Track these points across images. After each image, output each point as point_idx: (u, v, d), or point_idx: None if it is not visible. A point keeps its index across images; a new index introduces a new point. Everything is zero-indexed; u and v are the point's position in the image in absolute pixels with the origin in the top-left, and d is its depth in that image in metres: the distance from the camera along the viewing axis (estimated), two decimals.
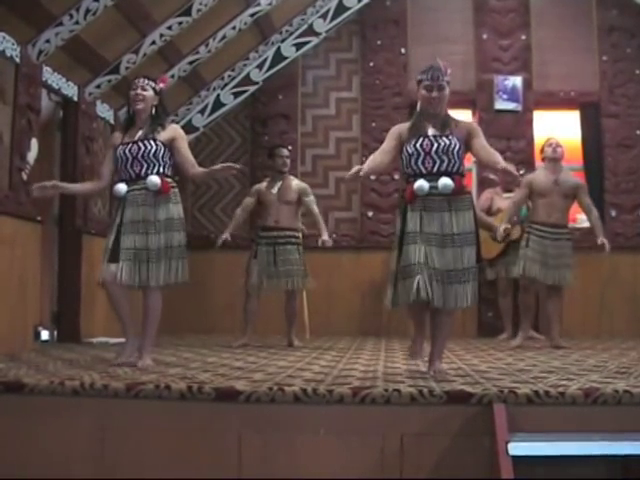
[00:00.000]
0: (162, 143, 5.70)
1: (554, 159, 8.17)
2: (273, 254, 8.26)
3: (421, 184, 5.03)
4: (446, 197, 5.05)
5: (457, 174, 5.10)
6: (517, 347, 7.88)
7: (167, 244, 5.61)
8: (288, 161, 8.60)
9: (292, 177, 8.70)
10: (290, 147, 10.52)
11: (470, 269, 5.06)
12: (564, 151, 8.26)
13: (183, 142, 5.86)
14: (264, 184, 8.56)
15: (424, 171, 5.08)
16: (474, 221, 5.16)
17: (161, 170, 5.69)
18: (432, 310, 5.19)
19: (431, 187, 5.03)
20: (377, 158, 5.21)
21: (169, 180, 5.73)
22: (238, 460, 4.07)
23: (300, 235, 8.53)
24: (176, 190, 5.78)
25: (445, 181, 5.02)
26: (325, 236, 8.40)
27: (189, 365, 5.79)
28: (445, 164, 5.07)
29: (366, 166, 5.07)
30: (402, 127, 5.33)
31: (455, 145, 5.09)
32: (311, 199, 8.54)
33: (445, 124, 5.18)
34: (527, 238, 8.06)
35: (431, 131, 5.15)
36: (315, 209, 8.54)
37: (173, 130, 5.86)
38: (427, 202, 5.05)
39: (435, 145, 5.08)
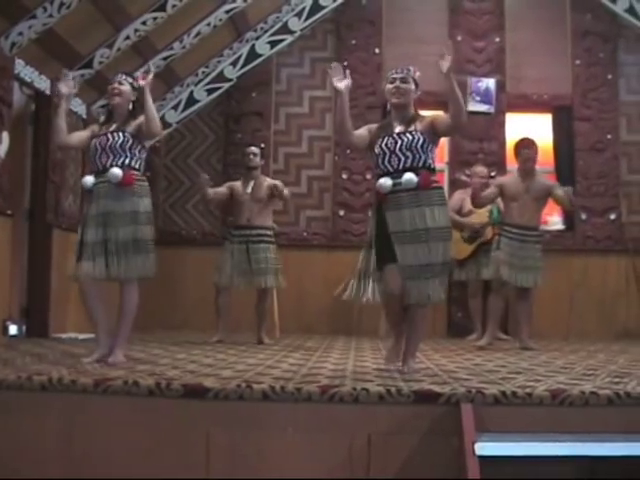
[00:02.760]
0: (130, 134, 5.67)
1: (527, 160, 8.18)
2: (246, 252, 8.26)
3: (383, 181, 5.13)
4: (415, 192, 5.08)
5: (424, 168, 5.14)
6: (483, 347, 7.90)
7: (133, 237, 5.58)
8: (257, 159, 8.56)
9: (264, 176, 8.68)
10: (263, 145, 10.56)
11: (445, 264, 5.14)
12: (537, 154, 8.27)
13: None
14: (238, 183, 8.54)
15: (391, 169, 5.16)
16: (448, 216, 5.24)
17: (127, 162, 5.64)
18: (407, 309, 5.21)
19: (396, 184, 5.10)
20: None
21: (135, 172, 5.67)
22: (206, 457, 4.05)
23: (272, 233, 8.51)
24: (144, 183, 5.74)
25: (408, 176, 5.08)
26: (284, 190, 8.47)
27: (158, 361, 5.76)
28: (410, 160, 5.13)
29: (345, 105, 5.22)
30: (372, 126, 5.50)
31: (419, 140, 5.15)
32: (287, 195, 8.57)
33: (411, 120, 5.27)
34: (498, 240, 8.08)
35: (398, 129, 5.24)
36: (286, 193, 8.55)
37: (141, 118, 5.74)
38: (397, 199, 5.10)
39: (399, 142, 5.17)
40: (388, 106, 5.45)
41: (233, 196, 8.46)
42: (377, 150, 5.23)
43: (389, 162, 5.17)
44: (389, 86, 5.34)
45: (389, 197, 5.13)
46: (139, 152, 5.72)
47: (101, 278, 5.57)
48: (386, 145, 5.20)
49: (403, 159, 5.13)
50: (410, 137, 5.16)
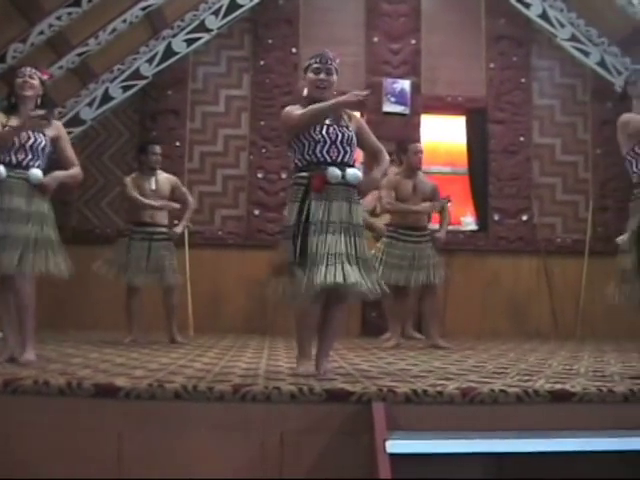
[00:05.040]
0: (49, 139, 5.71)
1: (417, 168, 8.33)
2: (147, 250, 8.19)
3: (334, 171, 4.92)
4: (346, 187, 4.97)
5: (352, 166, 5.07)
6: (391, 348, 7.95)
7: (39, 236, 5.54)
8: (160, 157, 8.48)
9: (160, 171, 8.57)
10: (178, 143, 10.51)
11: (368, 259, 5.05)
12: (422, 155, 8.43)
13: (67, 142, 5.91)
14: (135, 176, 8.42)
15: (329, 160, 4.97)
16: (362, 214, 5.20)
17: (42, 165, 5.67)
18: (323, 308, 5.08)
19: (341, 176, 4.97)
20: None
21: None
22: (118, 457, 4.00)
23: (180, 230, 8.47)
24: None
25: (354, 171, 4.98)
26: (179, 227, 8.46)
27: (70, 361, 5.68)
28: (347, 155, 5.02)
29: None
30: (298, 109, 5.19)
31: (353, 137, 5.08)
32: (184, 191, 8.59)
33: (340, 116, 5.11)
34: (389, 243, 8.14)
35: (328, 121, 5.05)
36: (190, 199, 8.57)
37: (57, 128, 5.83)
38: (331, 191, 4.94)
39: (340, 135, 5.01)
40: (305, 92, 5.22)
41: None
42: (317, 137, 4.98)
43: (327, 152, 4.97)
44: (312, 76, 5.11)
45: (327, 187, 4.94)
46: (49, 155, 5.73)
47: (4, 272, 5.49)
48: (327, 133, 5.00)
49: (342, 152, 4.99)
50: (349, 133, 5.05)
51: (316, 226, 4.89)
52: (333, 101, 4.99)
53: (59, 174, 5.76)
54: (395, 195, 8.19)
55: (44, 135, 5.66)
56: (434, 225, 8.70)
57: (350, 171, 4.98)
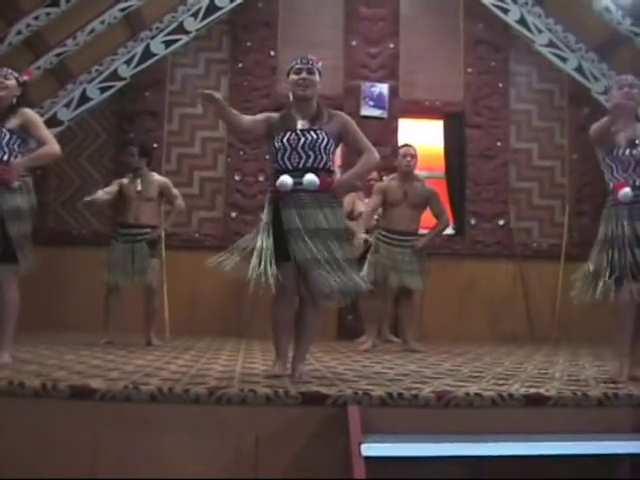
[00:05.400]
0: (9, 130, 5.55)
1: (407, 167, 8.33)
2: (131, 251, 8.17)
3: (283, 180, 4.93)
4: (314, 194, 4.94)
5: (324, 170, 5.00)
6: (367, 350, 7.97)
7: (13, 234, 5.48)
8: (134, 159, 8.43)
9: (153, 173, 8.55)
10: (155, 145, 10.48)
11: (349, 259, 4.99)
12: (417, 162, 8.43)
13: (35, 125, 5.69)
14: (125, 180, 8.43)
15: (290, 167, 4.97)
16: (344, 217, 5.16)
17: (5, 158, 5.51)
18: (299, 311, 5.08)
19: (296, 183, 4.93)
20: (240, 115, 5.15)
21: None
22: (93, 459, 3.99)
23: (160, 232, 8.44)
24: (27, 179, 5.66)
25: (310, 177, 4.92)
26: (161, 228, 8.44)
27: (46, 362, 5.66)
28: (311, 160, 4.97)
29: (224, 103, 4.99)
30: (273, 115, 5.22)
31: (323, 140, 5.00)
32: (174, 193, 8.48)
33: (316, 117, 5.10)
34: (376, 245, 8.16)
35: (300, 124, 5.04)
36: (178, 203, 8.50)
37: (21, 115, 5.65)
38: (297, 198, 4.93)
39: (302, 140, 4.98)
40: (290, 97, 5.21)
41: (122, 194, 8.34)
42: (277, 145, 5.01)
43: (289, 159, 4.97)
44: (294, 77, 5.10)
45: (288, 195, 4.93)
46: (18, 147, 5.60)
47: None
48: (288, 141, 4.99)
49: (304, 158, 4.96)
50: (315, 136, 4.99)
51: (285, 233, 4.89)
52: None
53: (19, 160, 5.57)
54: (385, 200, 8.21)
55: (5, 128, 5.55)
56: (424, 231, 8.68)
57: (306, 178, 4.95)
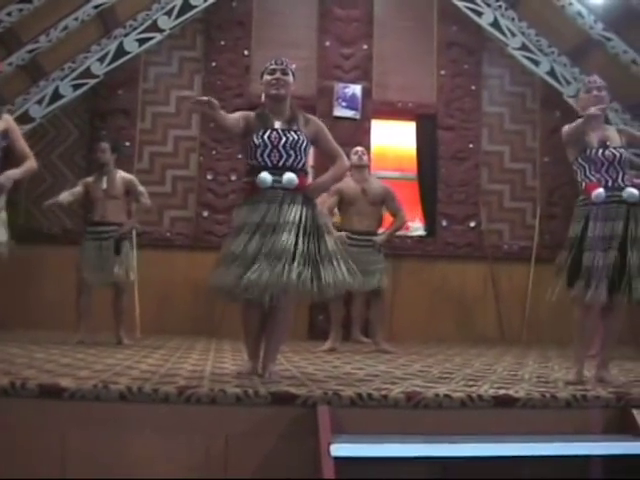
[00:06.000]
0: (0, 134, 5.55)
1: (360, 166, 8.42)
2: (99, 249, 8.15)
3: (264, 177, 4.95)
4: (292, 192, 4.98)
5: (302, 170, 5.09)
6: (325, 351, 7.97)
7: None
8: (106, 154, 8.42)
9: (119, 170, 8.53)
10: (128, 143, 10.44)
11: (335, 256, 5.02)
12: (370, 159, 8.51)
13: (18, 134, 5.73)
14: (91, 179, 8.41)
15: (269, 164, 5.01)
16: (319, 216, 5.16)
17: None
18: (270, 311, 5.06)
19: (275, 181, 4.96)
20: (226, 115, 5.13)
21: None
22: (62, 458, 3.97)
23: (127, 229, 8.42)
24: None
25: (290, 176, 4.97)
26: (126, 226, 8.41)
27: (15, 360, 5.62)
28: (292, 159, 5.03)
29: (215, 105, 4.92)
30: (249, 113, 5.26)
31: (303, 141, 5.09)
32: (140, 190, 8.47)
33: (292, 119, 5.17)
34: None
35: (277, 124, 5.11)
36: (144, 201, 8.48)
37: (6, 121, 5.66)
38: (275, 195, 4.95)
39: (283, 139, 5.04)
40: (262, 97, 5.28)
41: (88, 193, 8.32)
42: (257, 141, 5.05)
43: (269, 156, 5.02)
44: (268, 77, 5.17)
45: (265, 191, 4.96)
46: (4, 148, 5.59)
47: None
48: (269, 138, 5.04)
49: (285, 156, 5.02)
50: (295, 136, 5.07)
51: (259, 229, 4.90)
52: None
53: (14, 173, 5.59)
54: (341, 200, 8.24)
55: None
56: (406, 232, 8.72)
57: (286, 176, 4.99)
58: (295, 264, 4.80)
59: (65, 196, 8.27)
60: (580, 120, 5.30)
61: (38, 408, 4.06)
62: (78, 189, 8.36)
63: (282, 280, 4.75)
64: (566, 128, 5.40)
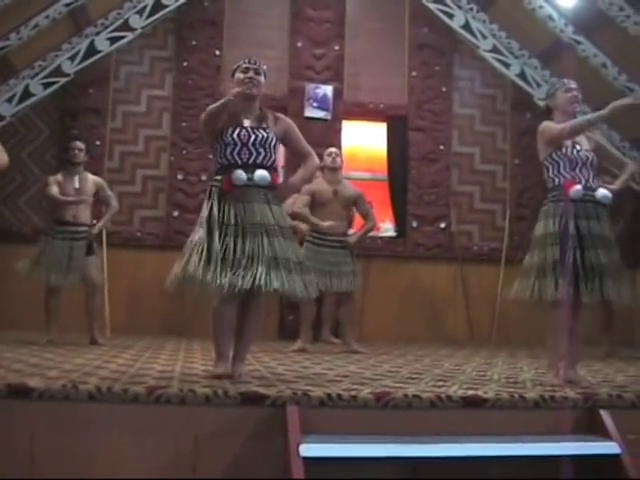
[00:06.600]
0: None
1: (334, 168, 8.44)
2: (69, 249, 8.11)
3: (239, 174, 4.94)
4: (264, 190, 4.99)
5: (272, 168, 5.08)
6: (295, 351, 7.98)
7: None
8: (82, 154, 8.42)
9: (87, 172, 8.52)
10: (98, 142, 10.40)
11: (299, 262, 5.03)
12: (343, 161, 8.60)
13: None
14: (60, 177, 8.35)
15: (239, 162, 5.00)
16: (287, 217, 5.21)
17: None
18: (240, 311, 5.07)
19: (248, 178, 4.95)
20: None
21: None
22: (30, 458, 3.95)
23: (98, 230, 8.41)
24: None
25: (262, 173, 4.97)
26: (96, 228, 8.44)
27: None
28: (262, 157, 5.03)
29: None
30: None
31: (272, 139, 5.09)
32: (110, 194, 8.53)
33: (261, 118, 5.16)
34: (307, 249, 8.15)
35: (247, 122, 5.10)
36: (113, 203, 8.53)
37: None
38: (246, 193, 4.95)
39: (253, 137, 5.04)
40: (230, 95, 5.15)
41: (59, 191, 8.26)
42: (227, 139, 5.04)
43: (239, 154, 5.01)
44: (241, 75, 5.14)
45: (237, 189, 4.96)
46: None
47: None
48: (238, 136, 5.03)
49: (255, 154, 5.02)
50: (265, 134, 5.07)
51: (230, 228, 4.91)
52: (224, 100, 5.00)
53: None
54: (313, 201, 8.25)
55: None
56: (376, 233, 8.74)
57: (258, 173, 4.98)
58: (271, 264, 4.84)
59: (56, 190, 8.24)
60: (595, 115, 5.34)
61: (6, 408, 4.03)
62: (55, 188, 8.28)
63: (258, 280, 4.76)
64: (559, 126, 5.37)
